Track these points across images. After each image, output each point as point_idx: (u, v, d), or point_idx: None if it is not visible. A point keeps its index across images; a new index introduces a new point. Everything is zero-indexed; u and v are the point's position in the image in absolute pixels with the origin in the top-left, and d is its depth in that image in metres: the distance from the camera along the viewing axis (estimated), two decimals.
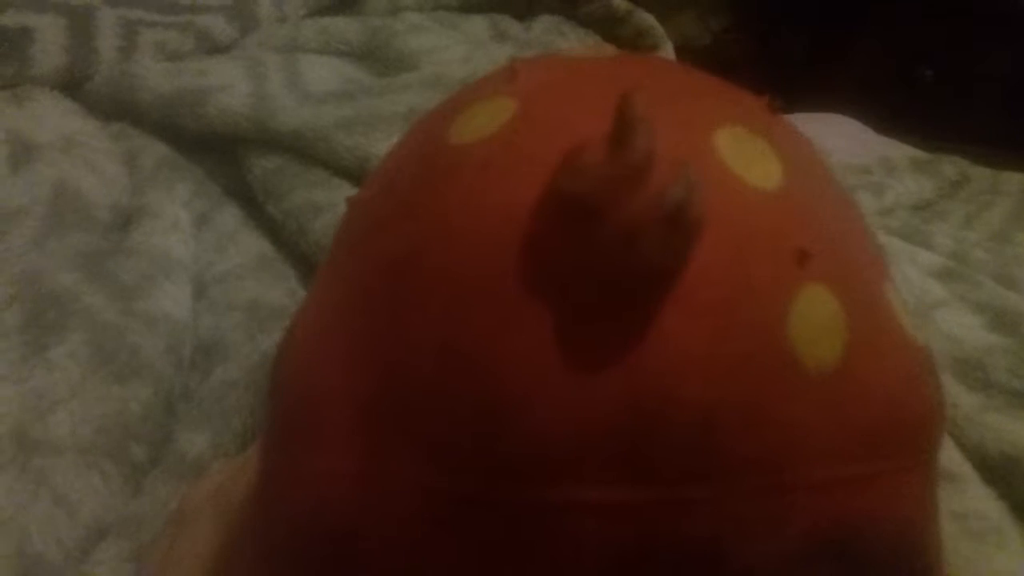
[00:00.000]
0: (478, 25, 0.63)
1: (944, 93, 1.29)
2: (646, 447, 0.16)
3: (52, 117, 0.43)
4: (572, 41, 0.68)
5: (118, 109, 0.47)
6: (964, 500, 0.34)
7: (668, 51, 0.74)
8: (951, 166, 0.76)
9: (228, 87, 0.46)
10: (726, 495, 0.16)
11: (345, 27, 0.55)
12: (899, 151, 0.80)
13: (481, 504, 0.16)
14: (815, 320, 0.17)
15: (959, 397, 0.40)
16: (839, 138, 0.81)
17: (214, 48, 0.53)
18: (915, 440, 0.18)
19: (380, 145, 0.44)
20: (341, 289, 0.19)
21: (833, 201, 0.19)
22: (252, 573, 0.22)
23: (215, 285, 0.40)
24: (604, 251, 0.15)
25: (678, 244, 0.15)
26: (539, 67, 0.20)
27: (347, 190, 0.43)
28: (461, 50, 0.55)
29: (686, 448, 0.16)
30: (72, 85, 0.47)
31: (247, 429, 0.34)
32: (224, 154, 0.46)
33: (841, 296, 0.17)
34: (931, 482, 0.20)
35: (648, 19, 0.73)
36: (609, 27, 0.73)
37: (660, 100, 0.18)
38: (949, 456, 0.36)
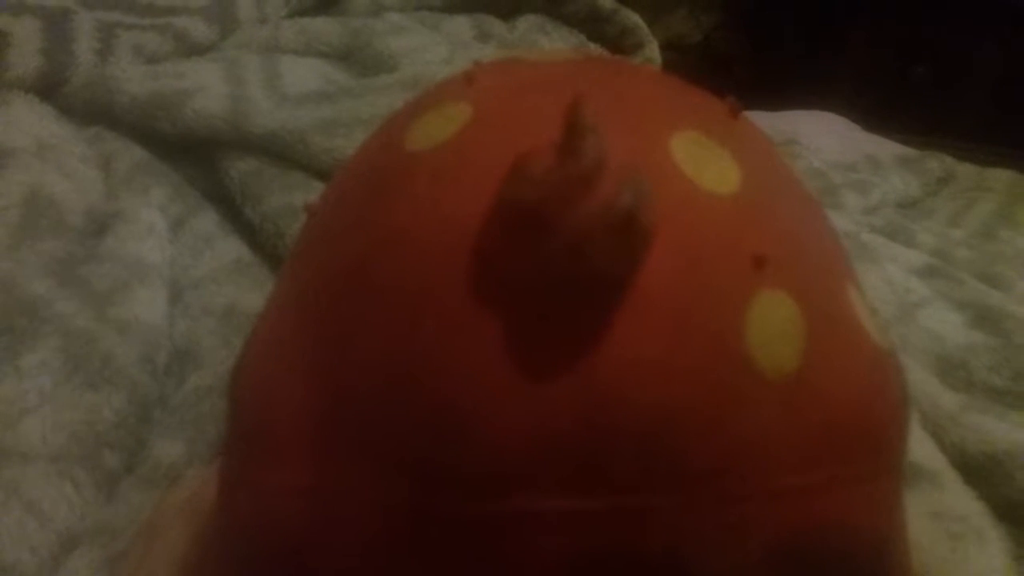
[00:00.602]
0: (461, 25, 0.63)
1: (936, 90, 1.29)
2: (600, 456, 0.15)
3: (27, 121, 0.43)
4: (556, 40, 0.68)
5: (94, 113, 0.46)
6: (943, 500, 0.33)
7: (653, 49, 0.74)
8: (937, 163, 0.76)
9: (205, 89, 0.46)
10: (683, 504, 0.16)
11: (326, 28, 0.55)
12: (885, 148, 0.80)
13: (434, 518, 0.16)
14: (772, 326, 0.16)
15: (940, 397, 0.40)
16: (826, 136, 0.81)
17: (193, 50, 0.52)
18: (877, 446, 0.18)
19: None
20: (294, 301, 0.19)
21: (794, 205, 0.19)
22: None
23: (191, 290, 0.40)
24: (553, 260, 0.15)
25: (629, 251, 0.15)
26: (497, 71, 0.20)
27: None
28: (443, 51, 0.55)
29: (641, 457, 0.15)
30: (48, 89, 0.46)
31: (222, 436, 0.34)
32: (201, 157, 0.46)
33: (800, 301, 0.17)
34: (896, 487, 0.19)
35: (632, 17, 0.72)
36: (593, 26, 0.73)
37: (616, 106, 0.18)
38: (929, 455, 0.36)
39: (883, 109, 0.97)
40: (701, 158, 0.17)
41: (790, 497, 0.16)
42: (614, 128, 0.16)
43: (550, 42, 0.67)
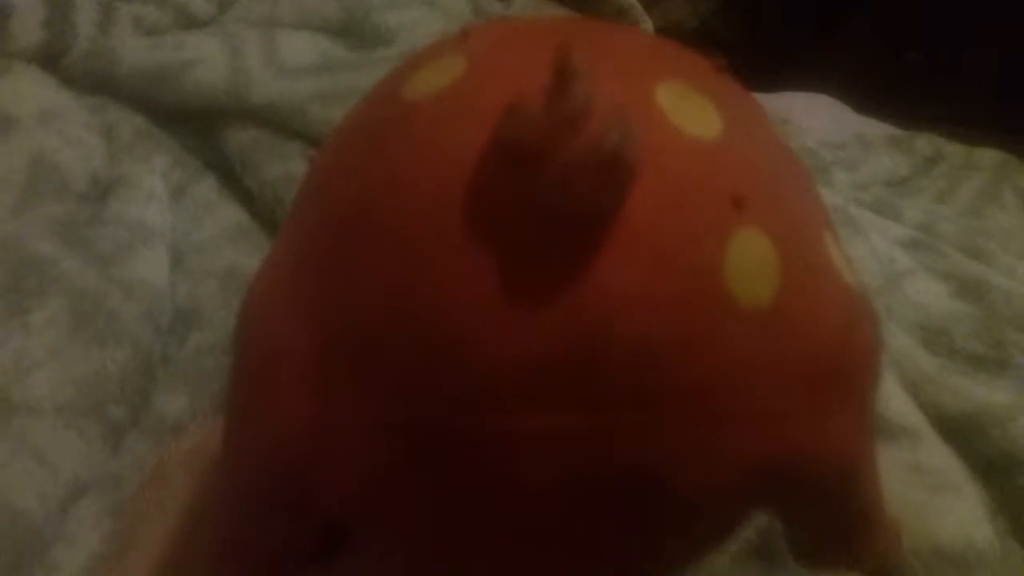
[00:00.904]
0: (457, 2, 0.64)
1: (933, 77, 1.30)
2: (587, 377, 0.16)
3: (30, 90, 0.44)
4: None
5: (96, 83, 0.47)
6: (921, 455, 0.35)
7: (648, 30, 0.74)
8: (926, 143, 0.77)
9: (205, 61, 0.47)
10: (662, 424, 0.17)
11: (322, 3, 0.55)
12: (876, 129, 0.81)
13: (431, 437, 0.17)
14: (749, 261, 0.17)
15: (922, 360, 0.41)
16: (818, 116, 0.82)
17: (192, 23, 0.53)
18: (849, 377, 0.19)
19: None
20: (298, 243, 0.20)
21: (772, 153, 0.20)
22: (221, 519, 0.23)
23: (192, 254, 0.40)
24: (543, 194, 0.16)
25: (614, 187, 0.16)
26: (490, 29, 0.21)
27: None
28: (439, 26, 0.55)
29: (624, 379, 0.16)
30: (50, 59, 0.47)
31: (223, 391, 0.35)
32: (201, 127, 0.47)
33: (775, 240, 0.18)
34: (866, 419, 0.21)
35: None
36: (588, 6, 0.73)
37: (604, 56, 0.19)
38: (908, 414, 0.37)
39: (878, 94, 0.98)
40: (685, 106, 0.18)
41: (764, 422, 0.18)
42: (602, 75, 0.17)
43: None
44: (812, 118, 0.80)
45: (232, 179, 0.45)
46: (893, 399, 0.37)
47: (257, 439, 0.19)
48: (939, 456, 0.35)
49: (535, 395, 0.16)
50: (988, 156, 0.77)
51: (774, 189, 0.19)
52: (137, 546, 0.27)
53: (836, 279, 0.20)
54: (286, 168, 0.43)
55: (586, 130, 0.16)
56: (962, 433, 0.36)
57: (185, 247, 0.41)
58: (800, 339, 0.18)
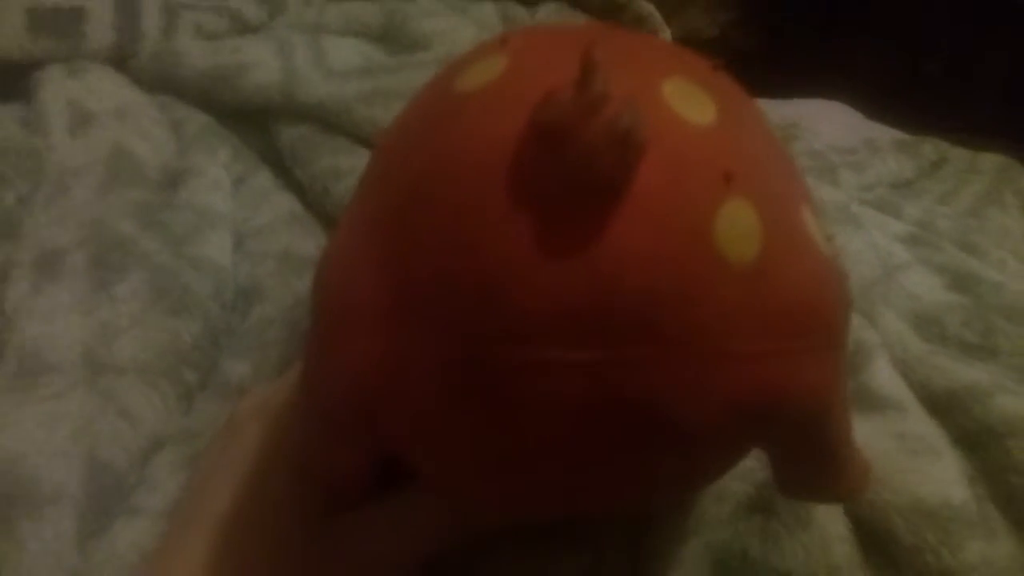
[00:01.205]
0: (487, 11, 0.66)
1: (948, 87, 1.31)
2: (601, 319, 0.20)
3: (106, 88, 0.47)
4: None
5: (162, 83, 0.51)
6: (906, 424, 0.37)
7: (666, 37, 0.77)
8: (931, 147, 0.79)
9: (260, 64, 0.50)
10: (664, 358, 0.20)
11: (364, 11, 0.59)
12: (884, 134, 0.84)
13: (481, 366, 0.20)
14: (737, 225, 0.20)
15: (913, 344, 0.43)
16: (829, 121, 0.84)
17: (245, 29, 0.57)
18: (822, 324, 0.22)
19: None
20: (368, 210, 0.23)
21: (759, 137, 0.23)
22: (299, 447, 0.26)
23: (252, 237, 0.44)
24: (569, 167, 0.19)
25: (626, 162, 0.19)
26: (526, 34, 0.25)
27: (366, 157, 0.45)
28: (470, 32, 0.59)
29: (632, 321, 0.20)
30: (120, 60, 0.50)
31: (283, 359, 0.38)
32: (257, 123, 0.50)
33: (759, 209, 0.21)
34: (839, 362, 0.23)
35: (647, 7, 0.76)
36: (609, 14, 0.76)
37: (620, 56, 0.22)
38: (897, 389, 0.39)
39: (894, 104, 0.99)
40: (685, 97, 0.22)
41: (747, 360, 0.20)
42: (618, 71, 0.20)
43: None
44: (823, 123, 0.82)
45: (285, 171, 0.48)
46: (883, 375, 0.40)
47: (333, 372, 0.23)
48: (923, 426, 0.37)
49: (561, 333, 0.20)
50: (991, 160, 0.79)
51: (760, 168, 0.22)
52: (211, 490, 0.29)
53: (811, 244, 0.23)
54: (333, 162, 0.47)
55: (604, 113, 0.19)
56: (945, 407, 0.39)
57: (245, 231, 0.44)
58: (778, 292, 0.21)
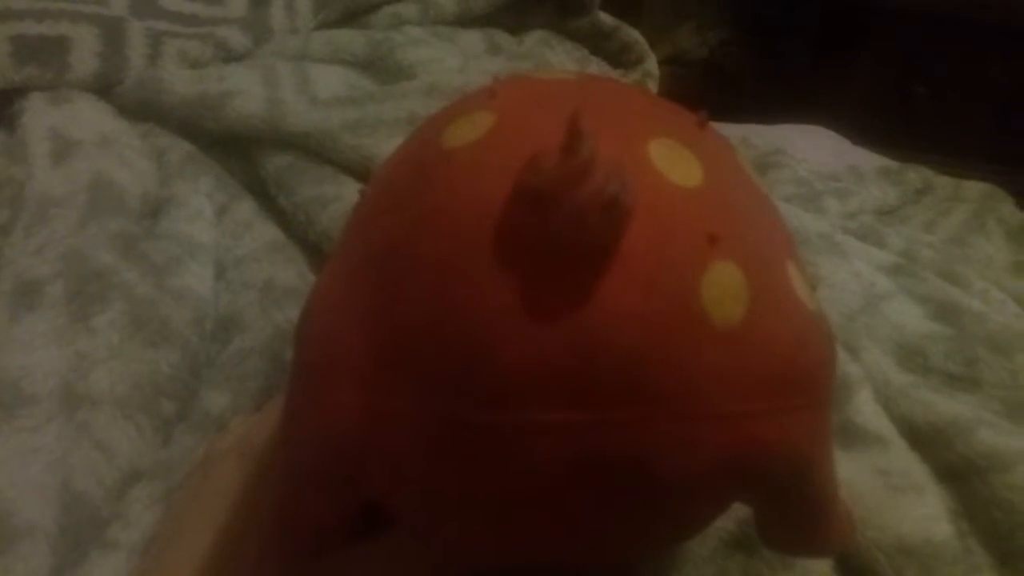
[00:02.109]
0: (473, 38, 0.67)
1: (938, 109, 1.32)
2: (588, 381, 0.20)
3: (88, 117, 0.47)
4: (560, 54, 0.71)
5: (146, 111, 0.50)
6: (888, 460, 0.37)
7: (651, 64, 0.78)
8: (916, 175, 0.79)
9: (244, 92, 0.50)
10: (649, 419, 0.20)
11: (351, 39, 0.59)
12: (869, 161, 0.85)
13: (464, 423, 0.20)
14: (722, 287, 0.21)
15: (896, 376, 0.43)
16: (813, 148, 0.85)
17: (231, 57, 0.56)
18: (807, 384, 0.22)
19: (382, 145, 0.48)
20: (353, 261, 0.23)
21: (745, 197, 0.24)
22: (277, 496, 0.26)
23: (233, 267, 0.43)
24: (557, 231, 0.19)
25: (613, 227, 0.20)
26: (514, 87, 0.25)
27: (352, 185, 0.47)
28: (456, 61, 0.58)
29: (618, 383, 0.20)
30: (104, 88, 0.50)
31: (262, 390, 0.38)
32: (241, 152, 0.50)
33: (745, 271, 0.21)
34: (824, 420, 0.24)
35: (633, 34, 0.77)
36: (596, 42, 0.77)
37: (607, 117, 0.22)
38: (879, 424, 0.39)
39: (884, 127, 1.00)
40: (671, 159, 0.22)
41: (734, 421, 0.21)
42: (605, 134, 0.20)
43: (555, 55, 0.71)
44: (808, 149, 0.83)
45: (269, 200, 0.48)
46: (865, 409, 0.40)
47: (314, 424, 0.22)
48: (905, 461, 0.38)
49: (546, 394, 0.20)
50: (975, 188, 0.80)
51: (745, 228, 0.22)
52: (188, 526, 0.29)
53: (796, 303, 0.23)
54: (318, 191, 0.47)
55: (591, 180, 0.19)
56: (928, 441, 0.39)
57: (227, 261, 0.44)
58: (764, 353, 0.21)
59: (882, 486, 0.36)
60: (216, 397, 0.37)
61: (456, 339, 0.20)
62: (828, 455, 0.24)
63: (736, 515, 0.34)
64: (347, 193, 0.46)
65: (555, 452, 0.20)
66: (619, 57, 0.78)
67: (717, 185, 0.22)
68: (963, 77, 1.31)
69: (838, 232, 0.58)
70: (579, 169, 0.19)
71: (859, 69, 1.37)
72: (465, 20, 0.68)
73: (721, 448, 0.20)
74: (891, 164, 0.83)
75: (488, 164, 0.22)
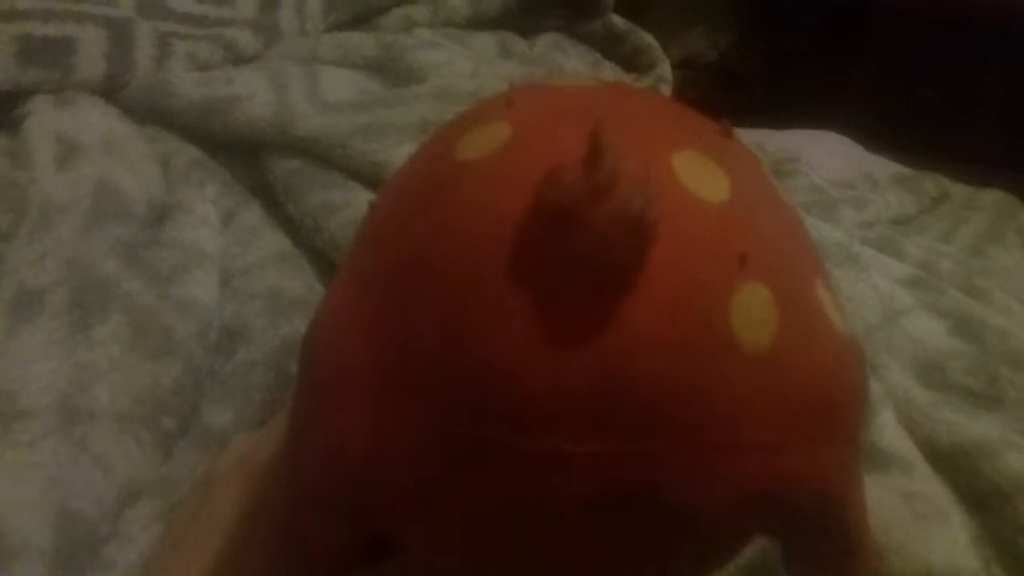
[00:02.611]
0: (485, 42, 0.66)
1: (942, 113, 1.31)
2: (610, 409, 0.19)
3: (95, 120, 0.46)
4: (573, 58, 0.71)
5: (152, 114, 0.50)
6: (912, 484, 0.36)
7: (665, 68, 0.77)
8: (932, 183, 0.78)
9: (253, 96, 0.49)
10: (673, 450, 0.19)
11: (361, 42, 0.58)
12: (884, 168, 0.84)
13: (479, 446, 0.19)
14: (752, 312, 0.20)
15: (917, 395, 0.43)
16: (827, 155, 0.84)
17: (240, 59, 0.56)
18: (838, 414, 0.21)
19: (392, 151, 0.47)
20: (362, 276, 0.22)
21: (773, 212, 0.23)
22: (280, 519, 0.25)
23: (239, 276, 0.43)
24: (578, 251, 0.18)
25: (637, 246, 0.19)
26: (532, 96, 0.24)
27: (360, 192, 0.46)
28: (468, 65, 0.58)
29: (642, 411, 0.19)
30: (111, 91, 0.49)
31: (267, 405, 0.37)
32: (248, 157, 0.49)
33: (775, 293, 0.20)
34: (854, 453, 0.23)
35: (646, 38, 0.76)
36: (608, 45, 0.76)
37: (630, 128, 0.21)
38: (902, 445, 0.39)
39: (892, 131, 0.99)
40: (698, 172, 0.21)
41: (760, 451, 0.20)
42: (628, 147, 0.19)
43: (567, 60, 0.70)
44: (822, 156, 0.82)
45: (276, 207, 0.47)
46: (887, 431, 0.39)
47: (319, 445, 0.22)
48: (929, 485, 0.37)
49: (565, 422, 0.19)
50: (992, 197, 0.78)
51: (774, 245, 0.21)
52: (187, 547, 0.29)
53: (827, 326, 0.22)
54: (326, 197, 0.46)
55: (614, 197, 0.18)
56: (952, 465, 0.38)
57: (233, 269, 0.43)
58: (794, 380, 0.20)
59: (907, 512, 0.35)
60: (219, 412, 0.36)
61: (472, 361, 0.19)
62: (859, 487, 0.23)
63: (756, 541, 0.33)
64: (356, 200, 0.45)
65: (574, 482, 0.19)
66: (632, 61, 0.77)
67: (745, 200, 0.21)
68: (967, 78, 1.30)
69: (855, 243, 0.57)
70: (602, 185, 0.18)
71: (867, 73, 1.37)
72: (477, 23, 0.67)
73: (748, 481, 0.20)
74: (906, 172, 0.82)
75: (505, 178, 0.21)
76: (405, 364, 0.20)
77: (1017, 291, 0.58)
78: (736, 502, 0.20)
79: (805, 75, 1.37)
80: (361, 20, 0.64)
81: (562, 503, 0.19)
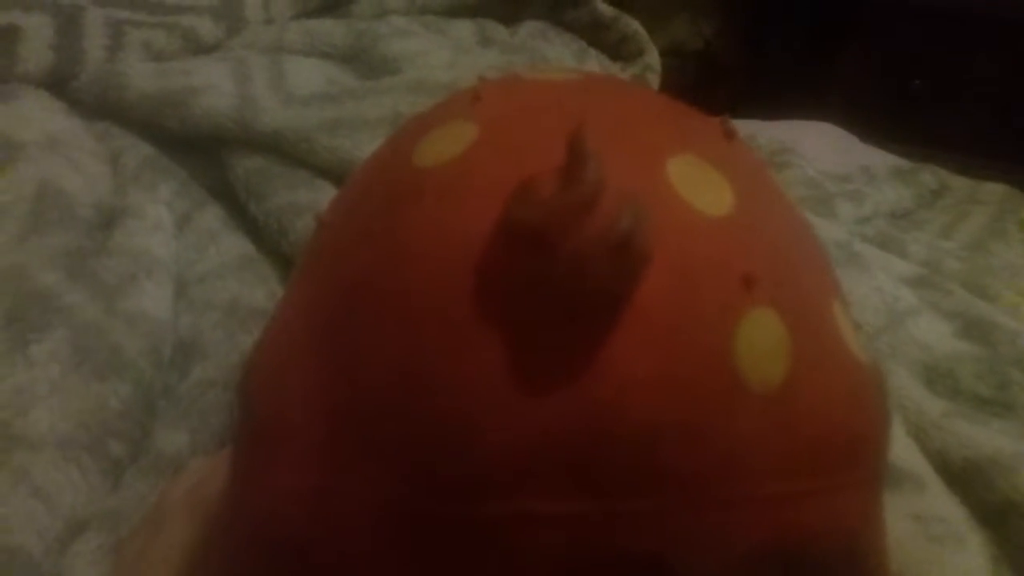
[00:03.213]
0: (464, 30, 0.64)
1: (932, 102, 1.30)
2: (593, 464, 0.16)
3: (37, 116, 0.44)
4: (557, 46, 0.68)
5: (103, 108, 0.47)
6: (925, 503, 0.35)
7: (652, 56, 0.75)
8: (931, 176, 0.77)
9: (213, 88, 0.47)
10: (670, 509, 0.17)
11: (331, 30, 0.56)
12: (880, 160, 0.81)
13: (435, 519, 0.17)
14: (760, 343, 0.17)
15: (926, 403, 0.41)
16: (822, 146, 0.82)
17: (200, 49, 0.53)
18: (858, 456, 0.19)
19: (363, 147, 0.45)
20: (306, 308, 0.20)
21: (783, 224, 0.20)
22: (219, 572, 0.23)
23: (196, 285, 0.40)
24: (554, 279, 0.16)
25: (626, 272, 0.16)
26: (503, 91, 0.21)
27: (329, 191, 0.44)
28: (446, 55, 0.56)
29: (632, 465, 0.16)
30: (58, 84, 0.47)
31: (225, 428, 0.35)
32: (208, 154, 0.47)
33: (786, 319, 0.18)
34: (876, 497, 0.20)
35: (633, 25, 0.73)
36: (594, 33, 0.73)
37: (616, 130, 0.19)
38: (912, 460, 0.37)
39: (881, 121, 0.98)
40: (696, 180, 0.18)
41: (772, 504, 0.17)
42: (614, 152, 0.17)
43: (551, 48, 0.68)
44: (817, 147, 0.80)
45: (238, 208, 0.45)
46: (897, 444, 0.37)
47: (259, 503, 0.19)
48: (943, 504, 0.35)
49: (539, 480, 0.16)
50: (992, 190, 0.77)
51: (785, 263, 0.19)
52: None
53: (845, 354, 0.19)
54: (292, 198, 0.44)
55: (598, 213, 0.16)
56: (967, 481, 0.36)
57: (189, 277, 0.41)
58: (810, 420, 0.18)
59: (920, 535, 0.34)
60: (172, 435, 0.34)
61: (428, 411, 0.17)
62: (880, 531, 0.21)
63: None
64: (325, 200, 0.43)
65: (550, 551, 0.17)
66: (618, 49, 0.75)
67: (751, 212, 0.19)
68: (959, 70, 1.30)
69: (856, 240, 0.55)
70: (583, 200, 0.16)
71: (854, 63, 1.36)
72: (455, 10, 0.66)
73: (758, 538, 0.17)
74: (903, 164, 0.80)
75: (469, 190, 0.18)
76: (352, 416, 0.18)
77: (1022, 288, 0.56)
78: (746, 564, 0.17)
79: (793, 64, 1.36)
80: (331, 7, 0.61)
81: (536, 572, 0.17)
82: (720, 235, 0.18)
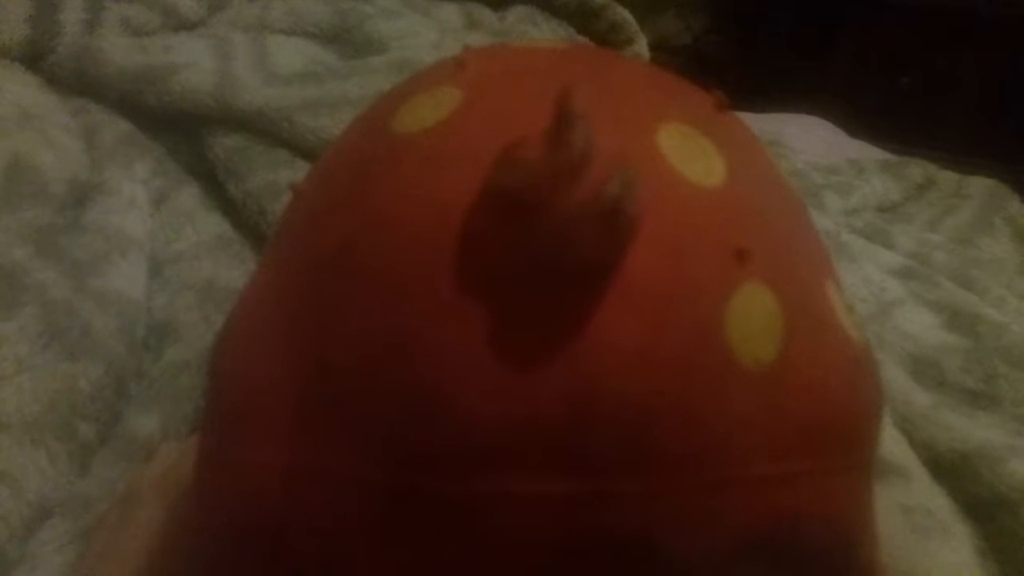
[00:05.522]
0: (451, 13, 0.63)
1: (919, 98, 1.31)
2: (579, 441, 0.16)
3: (11, 90, 0.43)
4: (546, 32, 0.68)
5: (80, 84, 0.46)
6: (912, 495, 0.34)
7: (641, 46, 0.74)
8: (918, 169, 0.77)
9: (193, 64, 0.46)
10: (659, 490, 0.16)
11: (315, 8, 0.55)
12: (868, 154, 0.81)
13: (411, 497, 0.16)
14: (752, 318, 0.17)
15: (913, 395, 0.41)
16: (810, 139, 0.82)
17: (181, 25, 0.53)
18: (851, 439, 0.19)
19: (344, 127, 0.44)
20: (280, 279, 0.19)
21: (777, 199, 0.20)
22: (191, 558, 0.22)
23: (171, 264, 0.40)
24: (539, 247, 0.15)
25: (614, 240, 0.15)
26: (488, 57, 0.20)
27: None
28: (432, 36, 0.55)
29: (619, 443, 0.16)
30: (34, 58, 0.46)
31: (198, 411, 0.34)
32: (186, 132, 0.46)
33: (779, 294, 0.17)
34: (867, 480, 0.20)
35: (622, 13, 0.73)
36: (583, 20, 0.73)
37: (605, 95, 0.18)
38: (899, 452, 0.37)
39: (869, 117, 0.98)
40: (687, 150, 0.18)
41: (763, 486, 0.17)
42: (603, 118, 0.16)
43: (539, 33, 0.67)
44: (804, 140, 0.79)
45: (215, 187, 0.44)
46: (885, 436, 0.37)
47: (230, 483, 0.18)
48: (930, 496, 0.35)
49: (523, 457, 0.16)
50: (979, 184, 0.77)
51: (778, 238, 0.18)
52: (107, 567, 0.26)
53: (838, 333, 0.19)
54: (272, 177, 0.43)
55: (586, 180, 0.15)
56: (954, 473, 0.36)
57: (164, 257, 0.40)
58: (802, 398, 0.17)
59: (907, 526, 0.34)
60: (144, 418, 0.33)
61: (406, 383, 0.16)
62: (871, 519, 0.20)
63: None
64: None
65: (534, 533, 0.16)
66: (607, 37, 0.74)
67: (744, 184, 0.18)
68: (947, 67, 1.30)
69: (844, 231, 0.55)
70: (570, 164, 0.15)
71: (843, 59, 1.37)
72: None
73: (749, 521, 0.17)
74: (891, 157, 0.80)
75: (451, 156, 0.17)
76: (325, 389, 0.17)
77: (1010, 282, 0.56)
78: (731, 545, 0.17)
79: (782, 60, 1.36)
80: None
81: (516, 556, 0.16)
82: (712, 206, 0.17)
